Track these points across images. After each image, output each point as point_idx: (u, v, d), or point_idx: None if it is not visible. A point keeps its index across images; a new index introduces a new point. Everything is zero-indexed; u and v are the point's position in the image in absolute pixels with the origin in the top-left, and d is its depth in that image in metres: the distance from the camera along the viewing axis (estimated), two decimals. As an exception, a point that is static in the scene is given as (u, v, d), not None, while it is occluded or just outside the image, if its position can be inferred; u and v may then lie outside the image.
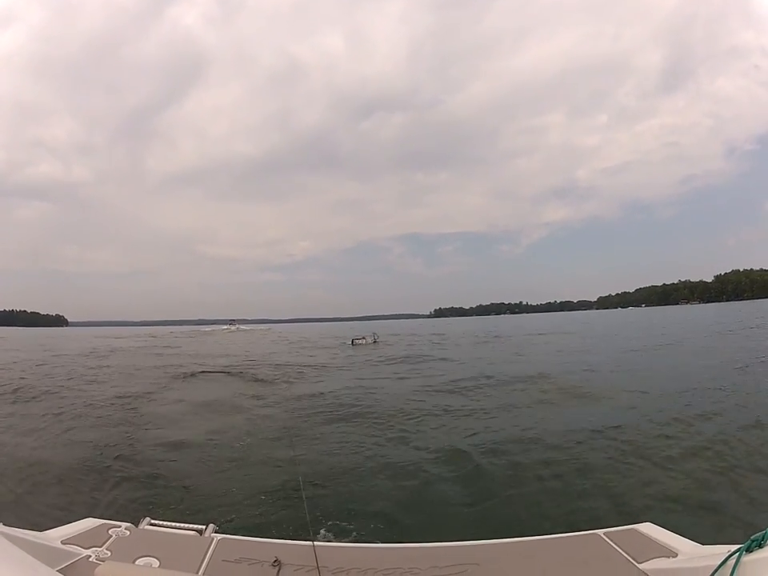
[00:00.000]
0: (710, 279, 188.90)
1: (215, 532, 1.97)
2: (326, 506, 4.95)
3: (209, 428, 8.79)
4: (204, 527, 2.00)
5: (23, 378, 15.61)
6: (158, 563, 1.63)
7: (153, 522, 2.01)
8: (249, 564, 1.68)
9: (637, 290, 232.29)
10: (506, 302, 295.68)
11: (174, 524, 2.01)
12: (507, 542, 1.89)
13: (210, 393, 13.14)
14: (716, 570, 1.29)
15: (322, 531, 4.26)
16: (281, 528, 4.22)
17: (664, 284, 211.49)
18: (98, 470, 6.30)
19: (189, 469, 6.46)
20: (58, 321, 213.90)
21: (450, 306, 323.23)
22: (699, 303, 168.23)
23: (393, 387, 13.60)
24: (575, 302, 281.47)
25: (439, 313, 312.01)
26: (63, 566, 1.54)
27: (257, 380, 15.62)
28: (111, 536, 1.81)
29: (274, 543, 1.95)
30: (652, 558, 1.64)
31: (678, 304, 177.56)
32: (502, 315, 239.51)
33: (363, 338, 37.18)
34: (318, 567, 1.60)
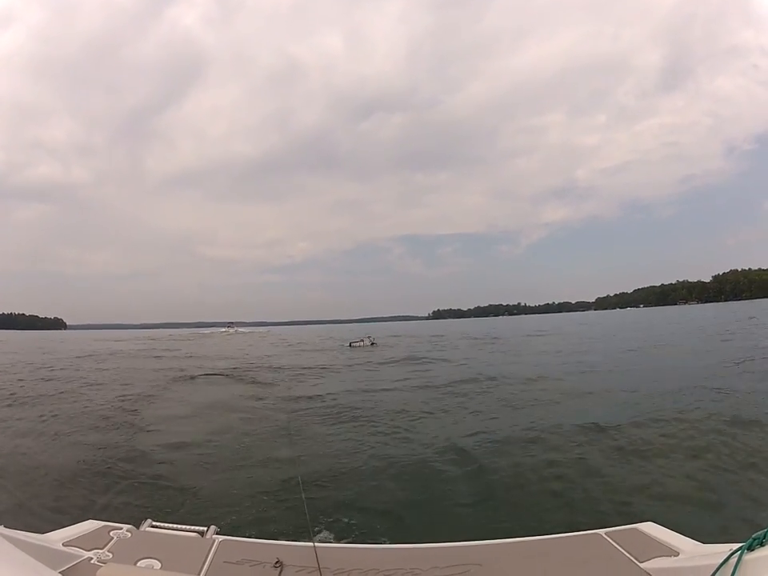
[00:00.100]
0: (708, 279, 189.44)
1: (217, 533, 1.97)
2: (326, 506, 4.95)
3: (209, 430, 8.79)
4: (205, 529, 1.99)
5: (21, 380, 15.62)
6: (160, 565, 1.63)
7: (154, 523, 2.01)
8: (250, 565, 1.68)
9: (635, 290, 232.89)
10: (504, 304, 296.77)
11: (175, 526, 2.01)
12: (509, 542, 1.90)
13: (210, 395, 13.13)
14: (718, 569, 1.29)
15: (324, 532, 4.27)
16: (282, 529, 4.22)
17: (662, 284, 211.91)
18: (99, 471, 6.29)
19: (190, 470, 6.46)
20: (57, 324, 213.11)
21: (449, 308, 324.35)
22: (697, 303, 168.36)
23: (392, 388, 13.61)
24: (573, 302, 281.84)
25: (438, 314, 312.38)
26: (65, 567, 1.53)
27: (256, 382, 15.63)
28: (113, 538, 1.80)
29: (276, 544, 1.95)
30: (654, 558, 1.64)
31: (676, 304, 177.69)
32: (501, 317, 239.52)
33: (361, 340, 37.38)
34: (319, 568, 1.60)
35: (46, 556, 1.46)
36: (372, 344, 36.44)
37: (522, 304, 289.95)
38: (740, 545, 1.28)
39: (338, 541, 4.06)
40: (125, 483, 5.89)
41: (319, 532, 4.21)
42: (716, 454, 6.24)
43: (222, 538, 1.91)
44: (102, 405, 11.06)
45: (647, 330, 38.46)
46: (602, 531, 1.89)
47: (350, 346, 35.81)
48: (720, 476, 5.55)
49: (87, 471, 6.31)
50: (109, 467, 6.46)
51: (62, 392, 13.29)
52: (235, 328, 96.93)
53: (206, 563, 1.69)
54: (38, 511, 4.88)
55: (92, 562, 1.62)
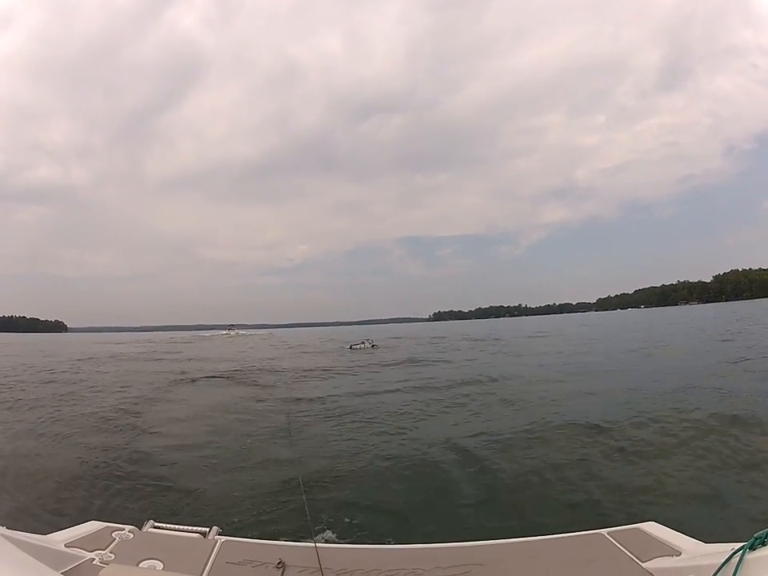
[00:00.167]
0: (708, 279, 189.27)
1: (219, 534, 1.97)
2: (328, 506, 4.96)
3: (210, 431, 8.82)
4: (208, 529, 1.99)
5: (22, 382, 15.66)
6: (162, 566, 1.63)
7: (156, 524, 2.01)
8: (253, 566, 1.68)
9: (636, 291, 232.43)
10: (505, 305, 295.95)
11: (177, 526, 2.01)
12: (511, 542, 1.90)
13: (212, 397, 13.13)
14: (719, 569, 1.29)
15: (326, 532, 4.27)
16: (284, 530, 4.22)
17: (663, 285, 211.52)
18: (100, 473, 6.30)
19: (191, 471, 6.47)
20: (58, 327, 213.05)
21: (450, 310, 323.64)
22: (698, 303, 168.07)
23: (393, 390, 13.59)
24: (574, 303, 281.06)
25: (439, 316, 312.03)
26: (67, 568, 1.53)
27: (257, 384, 15.63)
28: (115, 539, 1.80)
29: (278, 545, 1.96)
30: (656, 557, 1.64)
31: (677, 305, 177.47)
32: (502, 318, 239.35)
33: (362, 342, 37.42)
34: (321, 569, 1.60)
35: (48, 557, 1.46)
36: (373, 346, 36.44)
37: (523, 305, 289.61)
38: (742, 544, 1.28)
39: (340, 541, 4.06)
40: (127, 484, 5.91)
41: (321, 532, 4.21)
42: (717, 453, 6.25)
43: (224, 538, 1.92)
44: (104, 407, 11.06)
45: (648, 330, 38.47)
46: (604, 531, 1.89)
47: (351, 348, 35.80)
48: (721, 476, 5.57)
49: (89, 472, 6.32)
50: (111, 468, 6.47)
51: (63, 394, 13.29)
52: (236, 330, 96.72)
53: (209, 564, 1.69)
54: (39, 512, 4.89)
55: (94, 562, 1.62)
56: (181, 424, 9.63)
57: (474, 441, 7.55)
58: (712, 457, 6.17)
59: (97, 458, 6.99)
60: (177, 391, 14.39)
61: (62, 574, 1.45)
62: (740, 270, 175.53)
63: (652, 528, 1.88)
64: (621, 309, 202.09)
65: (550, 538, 1.90)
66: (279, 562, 1.66)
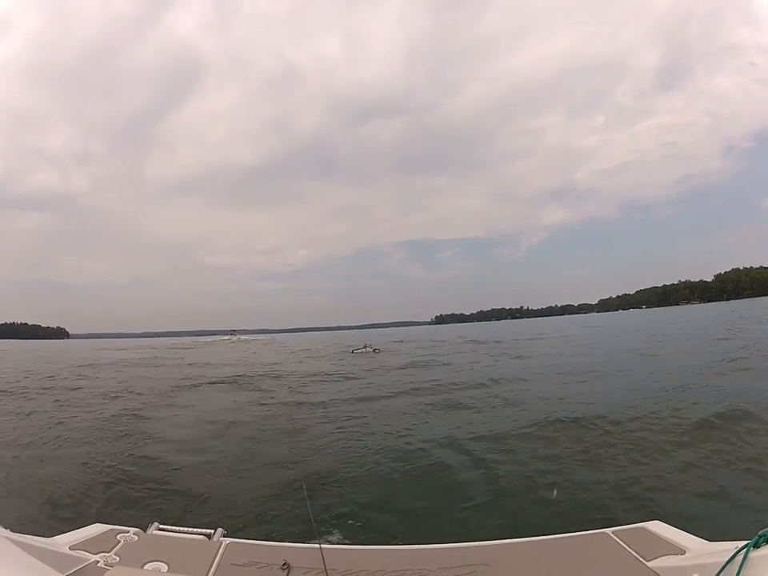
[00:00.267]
0: (710, 278, 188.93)
1: (224, 536, 1.97)
2: (331, 508, 4.97)
3: (214, 436, 8.81)
4: (212, 531, 2.00)
5: (25, 388, 15.69)
6: (167, 568, 1.64)
7: (161, 526, 2.01)
8: (258, 568, 1.68)
9: (637, 291, 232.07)
10: (507, 307, 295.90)
11: (182, 529, 2.01)
12: (515, 542, 1.89)
13: (215, 402, 13.14)
14: (724, 567, 1.29)
15: (330, 534, 4.27)
16: (288, 531, 4.23)
17: (664, 285, 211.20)
18: (105, 476, 6.32)
19: (196, 475, 6.48)
20: (59, 333, 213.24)
21: (451, 313, 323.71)
22: (700, 303, 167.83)
23: (395, 394, 13.53)
24: (576, 305, 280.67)
25: (440, 319, 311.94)
26: (72, 571, 1.53)
27: (260, 389, 15.62)
28: (119, 541, 1.80)
29: (283, 546, 1.95)
30: (660, 556, 1.64)
31: (678, 304, 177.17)
32: (504, 320, 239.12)
33: (363, 346, 37.37)
34: (326, 570, 1.60)
35: (52, 560, 1.47)
36: (374, 350, 36.40)
37: (525, 307, 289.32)
38: (746, 542, 1.28)
39: (345, 542, 4.05)
40: (131, 487, 5.92)
41: (325, 533, 4.21)
42: (720, 451, 6.25)
43: (228, 540, 1.92)
44: (107, 412, 11.06)
45: (649, 330, 38.37)
46: (608, 530, 1.88)
47: (353, 352, 35.78)
48: (724, 473, 5.56)
49: (93, 476, 6.33)
50: (115, 472, 6.48)
51: (66, 400, 13.31)
52: (238, 336, 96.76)
53: (213, 566, 1.69)
54: (43, 516, 4.90)
55: (99, 565, 1.62)
56: (184, 429, 9.63)
57: (478, 442, 7.54)
58: (715, 455, 6.16)
59: (101, 461, 7.00)
60: (180, 396, 14.36)
61: None
62: (741, 268, 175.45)
63: (656, 527, 1.87)
64: (622, 309, 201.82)
65: (555, 538, 1.89)
66: (284, 564, 1.66)
